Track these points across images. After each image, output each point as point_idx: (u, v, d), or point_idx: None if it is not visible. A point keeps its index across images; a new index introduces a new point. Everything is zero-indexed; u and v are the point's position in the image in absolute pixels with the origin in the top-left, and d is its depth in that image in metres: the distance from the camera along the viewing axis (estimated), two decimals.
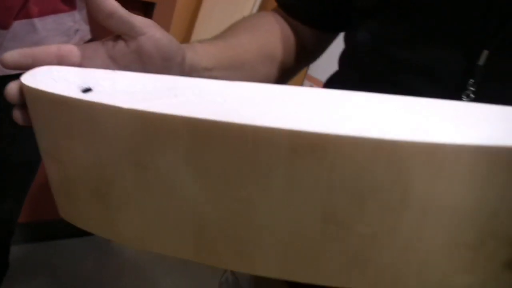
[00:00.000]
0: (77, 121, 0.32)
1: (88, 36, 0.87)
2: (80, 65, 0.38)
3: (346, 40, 0.53)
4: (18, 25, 0.75)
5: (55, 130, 0.34)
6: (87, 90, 0.33)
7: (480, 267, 0.29)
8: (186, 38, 1.72)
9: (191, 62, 0.43)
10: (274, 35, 0.54)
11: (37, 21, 0.77)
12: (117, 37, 0.39)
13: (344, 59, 0.53)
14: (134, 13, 0.38)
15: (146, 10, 1.40)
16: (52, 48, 0.37)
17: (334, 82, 0.53)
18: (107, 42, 0.39)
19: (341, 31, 0.56)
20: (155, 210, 0.32)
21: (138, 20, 0.38)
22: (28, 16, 0.77)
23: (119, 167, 0.32)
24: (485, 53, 0.40)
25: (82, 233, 1.69)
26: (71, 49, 0.38)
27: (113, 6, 0.37)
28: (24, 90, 0.34)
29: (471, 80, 0.40)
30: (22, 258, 1.52)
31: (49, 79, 0.35)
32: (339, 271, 0.30)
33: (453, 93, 0.41)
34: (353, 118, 0.29)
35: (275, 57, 0.54)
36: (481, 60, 0.40)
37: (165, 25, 1.40)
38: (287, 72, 0.56)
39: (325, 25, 0.56)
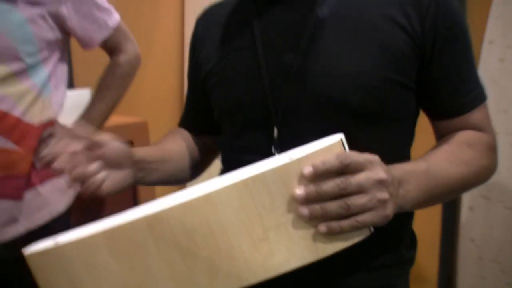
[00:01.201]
0: (54, 260, 0.54)
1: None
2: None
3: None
4: (27, 194, 1.04)
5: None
6: (56, 242, 0.56)
7: (277, 250, 0.53)
8: None
9: (138, 157, 0.73)
10: (185, 141, 0.89)
11: (39, 187, 1.06)
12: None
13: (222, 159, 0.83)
14: None
15: None
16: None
17: None
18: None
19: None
20: None
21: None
22: (32, 185, 1.05)
23: (84, 270, 0.54)
24: (276, 129, 0.68)
25: None
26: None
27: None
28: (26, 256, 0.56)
29: (273, 148, 0.68)
30: None
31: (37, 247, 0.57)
32: (210, 281, 0.53)
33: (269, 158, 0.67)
34: (185, 195, 0.53)
35: (187, 154, 0.87)
36: (275, 134, 0.68)
37: None
38: (199, 163, 0.91)
39: (210, 132, 0.88)
